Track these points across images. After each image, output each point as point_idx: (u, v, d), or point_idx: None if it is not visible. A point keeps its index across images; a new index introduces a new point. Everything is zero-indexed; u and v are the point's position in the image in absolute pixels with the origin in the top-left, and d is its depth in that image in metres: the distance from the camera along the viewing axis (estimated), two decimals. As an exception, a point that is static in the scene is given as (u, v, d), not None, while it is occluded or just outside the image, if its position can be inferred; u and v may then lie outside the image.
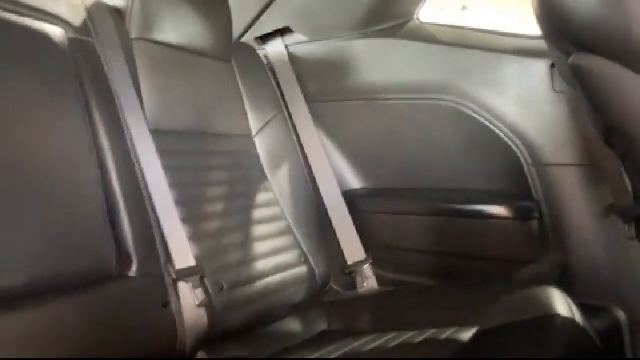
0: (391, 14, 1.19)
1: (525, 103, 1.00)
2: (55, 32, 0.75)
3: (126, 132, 0.80)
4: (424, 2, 1.20)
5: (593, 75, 0.45)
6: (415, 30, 1.19)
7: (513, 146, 1.01)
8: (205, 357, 0.78)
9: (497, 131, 1.03)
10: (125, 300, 0.67)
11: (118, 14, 0.93)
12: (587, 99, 0.48)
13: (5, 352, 0.54)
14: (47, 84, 0.70)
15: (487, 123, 1.03)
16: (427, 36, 1.16)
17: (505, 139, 1.02)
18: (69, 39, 0.77)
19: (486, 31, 1.13)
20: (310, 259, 1.05)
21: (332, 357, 0.79)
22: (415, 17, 1.22)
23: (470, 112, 1.05)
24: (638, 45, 0.39)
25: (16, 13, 0.71)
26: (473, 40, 1.10)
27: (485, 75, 1.04)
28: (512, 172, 1.02)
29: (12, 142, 0.62)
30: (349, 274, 1.13)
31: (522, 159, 1.01)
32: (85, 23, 0.83)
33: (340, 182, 1.22)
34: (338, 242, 1.15)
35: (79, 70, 0.76)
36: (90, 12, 0.87)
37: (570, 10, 0.45)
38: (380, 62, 1.17)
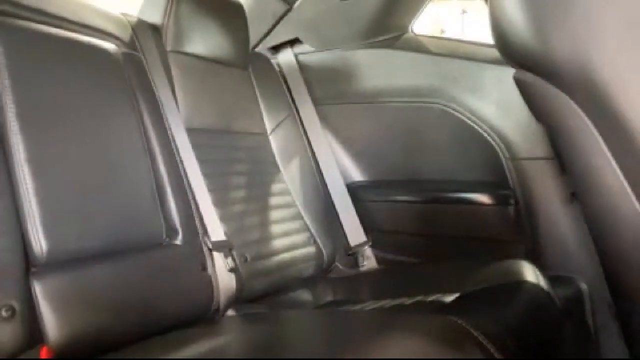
0: (389, 27, 1.35)
1: (503, 106, 1.16)
2: (111, 47, 0.92)
3: (168, 130, 0.97)
4: (418, 16, 1.37)
5: (529, 91, 0.61)
6: (410, 41, 1.36)
7: (493, 143, 1.17)
8: (233, 314, 0.94)
9: (479, 130, 1.19)
10: (173, 262, 0.84)
11: (156, 30, 1.09)
12: (529, 109, 0.64)
13: (88, 299, 0.70)
14: (107, 91, 0.86)
15: (471, 123, 1.19)
16: (420, 47, 1.32)
17: (487, 136, 1.18)
18: (122, 53, 0.94)
19: (470, 42, 1.29)
20: (318, 241, 1.20)
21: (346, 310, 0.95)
22: (410, 29, 1.38)
23: (456, 114, 1.21)
24: (562, 65, 0.55)
25: (80, 32, 0.88)
26: (459, 51, 1.26)
27: (470, 82, 1.20)
28: (492, 165, 1.18)
29: (85, 140, 0.79)
30: (352, 254, 1.29)
31: (500, 153, 1.17)
32: (132, 39, 1.00)
33: (344, 174, 1.38)
34: (342, 227, 1.31)
35: (130, 79, 0.92)
36: (135, 29, 1.03)
37: (508, 28, 0.60)
38: (379, 70, 1.33)
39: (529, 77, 0.60)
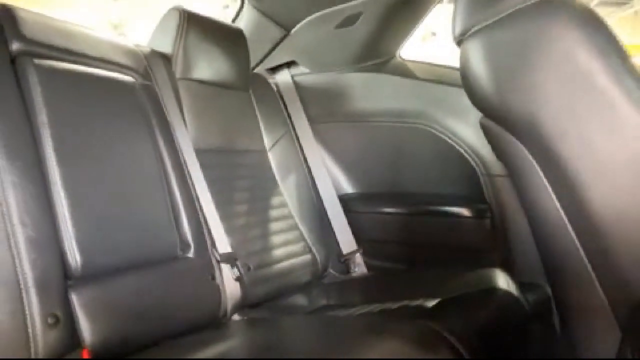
0: (377, 53, 1.47)
1: (480, 128, 1.28)
2: (130, 80, 1.03)
3: (179, 152, 1.07)
4: (405, 43, 1.49)
5: (490, 134, 0.73)
6: (396, 66, 1.48)
7: (471, 160, 1.29)
8: (238, 318, 1.05)
9: (459, 149, 1.31)
10: (186, 273, 0.95)
11: (166, 58, 1.20)
12: (491, 148, 0.76)
13: (116, 307, 0.81)
14: (128, 122, 0.97)
15: (451, 142, 1.32)
16: (406, 72, 1.44)
17: (465, 154, 1.30)
18: (138, 85, 1.04)
19: (452, 67, 1.41)
20: (313, 249, 1.32)
21: (337, 315, 1.07)
22: (397, 55, 1.50)
23: (438, 134, 1.33)
24: (516, 118, 0.67)
25: (103, 68, 0.99)
26: (442, 76, 1.38)
27: (450, 105, 1.32)
28: (470, 181, 1.30)
29: (110, 167, 0.90)
30: (344, 261, 1.41)
31: (477, 170, 1.29)
32: (146, 69, 1.11)
33: (336, 187, 1.50)
34: (335, 236, 1.43)
35: (147, 109, 1.03)
36: (148, 59, 1.14)
37: (473, 84, 0.72)
38: (368, 92, 1.45)
39: (490, 123, 0.72)
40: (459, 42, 0.79)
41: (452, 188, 1.36)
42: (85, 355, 0.72)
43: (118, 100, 0.97)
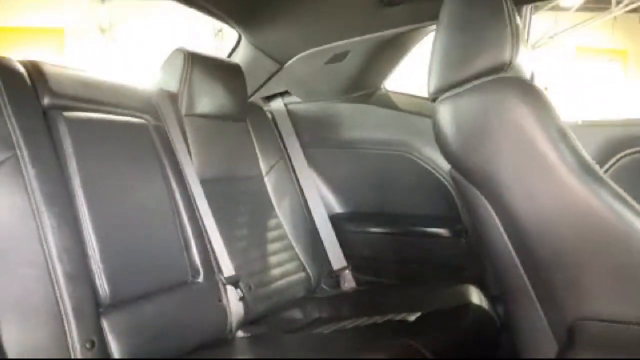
0: (364, 85, 1.61)
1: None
2: (143, 123, 1.15)
3: (187, 184, 1.19)
4: (389, 76, 1.63)
5: (456, 183, 0.88)
6: (382, 97, 1.62)
7: (448, 185, 1.43)
8: (242, 334, 1.18)
9: (437, 175, 1.45)
10: (197, 297, 1.07)
11: (172, 97, 1.31)
12: (457, 194, 0.91)
13: (140, 329, 0.93)
14: (143, 161, 1.09)
15: (430, 169, 1.46)
16: (389, 103, 1.58)
17: (444, 180, 1.45)
18: (150, 126, 1.16)
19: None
20: (307, 267, 1.45)
21: (327, 331, 1.21)
22: (382, 87, 1.64)
23: (419, 161, 1.48)
24: (476, 174, 0.81)
25: (121, 114, 1.11)
26: (421, 107, 1.52)
27: (429, 135, 1.43)
28: (448, 204, 1.44)
29: (129, 204, 1.02)
30: (335, 277, 1.55)
31: (454, 194, 1.43)
32: (156, 110, 1.22)
33: (327, 208, 1.63)
34: (326, 254, 1.56)
35: (157, 147, 1.15)
36: (157, 99, 1.26)
37: (443, 142, 0.86)
38: (356, 121, 1.59)
39: (456, 175, 0.86)
40: (433, 99, 0.93)
41: (433, 210, 1.50)
42: (118, 374, 0.85)
43: (134, 143, 1.09)
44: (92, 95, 1.07)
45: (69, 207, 0.90)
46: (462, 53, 0.87)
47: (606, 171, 1.31)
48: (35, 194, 0.85)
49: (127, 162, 1.05)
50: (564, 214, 0.71)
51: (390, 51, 1.52)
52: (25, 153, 0.87)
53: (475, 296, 1.27)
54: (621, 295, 0.68)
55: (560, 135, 0.72)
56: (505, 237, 0.79)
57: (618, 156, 1.29)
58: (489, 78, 0.81)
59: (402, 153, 1.51)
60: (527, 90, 0.76)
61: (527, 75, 0.99)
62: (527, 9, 1.32)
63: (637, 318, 0.66)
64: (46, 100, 0.97)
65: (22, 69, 0.97)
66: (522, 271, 0.79)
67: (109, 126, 1.06)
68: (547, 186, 0.72)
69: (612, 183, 0.69)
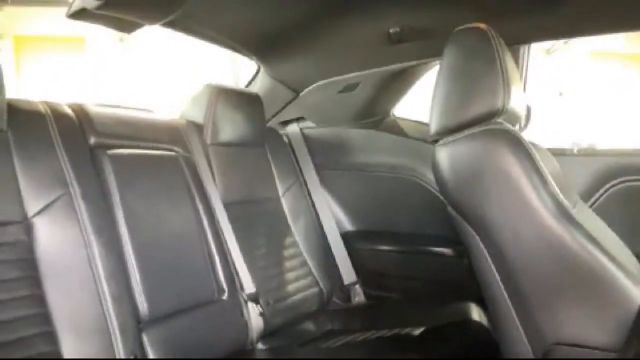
0: (374, 112, 1.73)
1: None
2: (174, 155, 1.28)
3: (212, 209, 1.32)
4: (397, 104, 1.74)
5: (453, 219, 0.99)
6: (390, 124, 1.73)
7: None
8: (262, 347, 1.30)
9: (441, 197, 1.56)
10: (222, 313, 1.20)
11: (198, 127, 1.45)
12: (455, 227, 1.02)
13: (175, 342, 1.06)
14: (174, 190, 1.22)
15: (435, 192, 1.57)
16: (397, 130, 1.70)
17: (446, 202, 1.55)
18: (180, 157, 1.29)
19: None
20: (320, 282, 1.57)
21: (334, 345, 1.32)
22: (391, 114, 1.76)
23: (425, 185, 1.59)
24: (468, 212, 0.92)
25: (155, 149, 1.24)
26: (428, 135, 1.62)
27: (434, 161, 1.57)
28: (451, 225, 1.55)
29: (163, 230, 1.15)
30: (345, 291, 1.66)
31: None
32: (184, 142, 1.36)
33: (339, 226, 1.75)
34: (338, 269, 1.68)
35: (186, 176, 1.28)
36: (185, 131, 1.39)
37: (442, 184, 0.98)
38: (366, 146, 1.71)
39: (452, 211, 0.98)
40: (433, 141, 1.05)
41: (437, 230, 1.61)
42: (157, 382, 0.98)
43: (167, 174, 1.23)
44: (130, 133, 1.21)
45: (113, 236, 1.04)
46: (459, 100, 0.99)
47: (599, 197, 1.41)
48: (85, 226, 0.99)
49: (161, 192, 1.18)
50: (544, 250, 0.82)
51: (397, 83, 1.63)
52: (77, 190, 1.00)
53: (475, 313, 1.38)
54: (590, 323, 0.79)
55: (542, 182, 0.83)
56: (493, 267, 0.91)
57: (611, 183, 1.39)
58: (482, 128, 0.92)
59: (408, 176, 1.62)
60: (514, 141, 0.87)
61: (522, 114, 1.11)
62: (524, 48, 1.42)
63: (602, 344, 0.77)
64: (92, 140, 1.11)
65: (71, 112, 1.11)
66: (506, 296, 0.90)
67: (145, 161, 1.19)
68: (530, 227, 0.83)
69: (585, 225, 0.81)
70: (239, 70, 4.90)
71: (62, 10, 1.17)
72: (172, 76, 6.91)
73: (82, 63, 7.15)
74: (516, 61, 1.39)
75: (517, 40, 1.34)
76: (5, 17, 7.45)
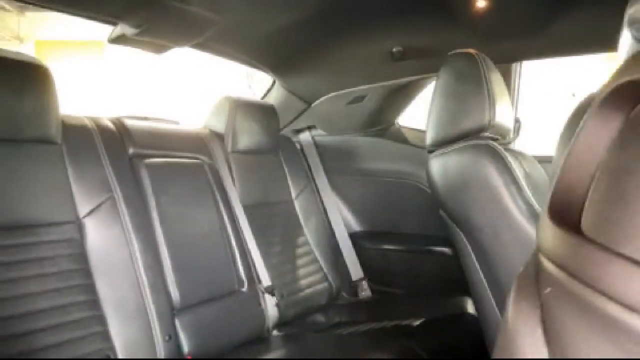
0: (380, 121, 1.87)
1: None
2: (199, 162, 1.44)
3: (232, 210, 1.48)
4: (402, 113, 1.88)
5: (444, 222, 1.13)
6: (395, 132, 1.88)
7: None
8: (277, 333, 1.46)
9: None
10: (242, 302, 1.36)
11: (220, 137, 1.61)
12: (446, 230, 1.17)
13: (203, 328, 1.22)
14: (201, 193, 1.38)
15: None
16: (401, 138, 1.84)
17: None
18: (205, 164, 1.45)
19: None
20: (329, 278, 1.72)
21: (345, 333, 1.47)
22: (396, 123, 1.90)
23: (425, 189, 1.72)
24: (458, 217, 1.07)
25: (184, 157, 1.40)
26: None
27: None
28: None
29: (192, 228, 1.31)
30: (353, 286, 1.81)
31: None
32: (208, 150, 1.52)
33: (347, 226, 1.90)
34: (346, 266, 1.83)
35: (210, 181, 1.44)
36: (208, 140, 1.55)
37: (434, 190, 1.12)
38: (372, 153, 1.85)
39: (443, 213, 1.12)
40: (428, 151, 1.19)
41: (437, 231, 1.74)
42: (189, 359, 1.13)
43: (195, 180, 1.39)
44: (162, 143, 1.37)
45: (150, 234, 1.20)
46: (451, 117, 1.13)
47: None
48: (127, 225, 1.15)
49: (189, 196, 1.34)
50: (518, 247, 0.96)
51: (401, 95, 1.77)
52: (119, 194, 1.16)
53: (470, 307, 1.51)
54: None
55: (517, 190, 0.97)
56: (476, 262, 1.05)
57: None
58: (470, 142, 1.06)
59: (411, 181, 1.76)
60: (495, 156, 1.01)
61: (510, 127, 1.24)
62: (515, 66, 1.56)
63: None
64: (131, 151, 1.27)
65: (112, 126, 1.28)
66: (487, 287, 1.04)
67: (176, 168, 1.35)
68: (507, 228, 0.97)
69: None
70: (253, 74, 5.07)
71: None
72: (186, 80, 7.12)
73: (101, 67, 7.40)
74: (508, 78, 1.53)
75: (509, 59, 1.48)
76: (27, 22, 7.73)
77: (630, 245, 0.21)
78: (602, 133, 0.27)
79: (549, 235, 0.28)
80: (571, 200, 0.28)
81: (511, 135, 1.35)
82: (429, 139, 1.19)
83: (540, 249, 0.31)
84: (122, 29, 1.28)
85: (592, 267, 0.22)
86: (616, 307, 0.20)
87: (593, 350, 0.22)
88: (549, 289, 0.26)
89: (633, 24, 0.32)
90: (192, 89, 7.08)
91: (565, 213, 0.28)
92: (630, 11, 0.32)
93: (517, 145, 1.53)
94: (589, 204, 0.27)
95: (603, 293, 0.21)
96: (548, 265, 0.27)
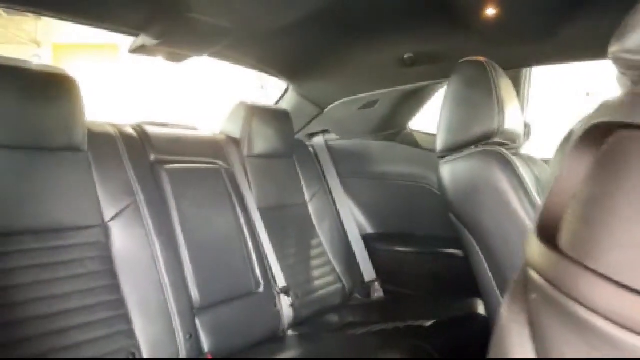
0: (391, 126, 1.91)
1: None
2: (217, 167, 1.49)
3: (249, 213, 1.53)
4: (413, 118, 1.92)
5: (453, 224, 1.16)
6: (406, 136, 1.91)
7: None
8: (292, 333, 1.50)
9: None
10: (259, 303, 1.40)
11: (236, 142, 1.65)
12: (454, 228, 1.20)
13: (221, 327, 1.26)
14: (219, 197, 1.43)
15: None
16: (412, 141, 1.87)
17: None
18: (222, 169, 1.50)
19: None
20: (342, 279, 1.76)
21: (358, 333, 1.51)
22: (407, 127, 1.93)
23: (436, 192, 1.75)
24: (465, 219, 1.10)
25: (203, 163, 1.46)
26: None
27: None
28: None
29: (210, 229, 1.36)
30: (366, 287, 1.85)
31: None
32: (225, 155, 1.57)
33: (360, 228, 1.94)
34: (359, 267, 1.86)
35: (227, 185, 1.49)
36: (225, 145, 1.60)
37: (444, 195, 1.16)
38: (384, 156, 1.89)
39: (453, 217, 1.16)
40: (439, 156, 1.23)
41: (448, 233, 1.76)
42: (209, 357, 1.18)
43: (212, 184, 1.44)
44: (181, 149, 1.42)
45: (171, 236, 1.25)
46: (460, 124, 1.17)
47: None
48: (149, 228, 1.20)
49: (207, 200, 1.40)
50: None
51: (412, 100, 1.81)
52: (142, 198, 1.22)
53: (481, 308, 1.54)
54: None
55: (525, 195, 1.00)
56: (486, 264, 1.08)
57: None
58: (479, 149, 1.10)
59: (422, 184, 1.80)
60: (504, 162, 1.05)
61: (520, 131, 1.27)
62: (525, 71, 1.58)
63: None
64: (152, 157, 1.32)
65: (134, 133, 1.33)
66: (496, 289, 1.08)
67: (194, 173, 1.40)
68: (516, 232, 1.01)
69: None
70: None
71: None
72: (201, 83, 7.21)
73: (116, 69, 7.52)
74: (518, 83, 1.55)
75: (518, 65, 1.51)
76: (44, 25, 7.90)
77: (598, 261, 0.25)
78: (578, 166, 0.31)
79: (535, 249, 0.33)
80: (553, 222, 0.32)
81: (521, 140, 1.38)
82: (439, 144, 1.23)
83: (528, 261, 0.35)
84: (142, 40, 1.33)
85: (567, 278, 0.26)
86: (586, 312, 0.24)
87: (569, 348, 0.26)
88: (534, 296, 0.31)
89: (616, 62, 0.36)
90: (207, 91, 7.17)
91: (548, 232, 0.32)
92: (612, 49, 0.36)
93: (529, 147, 1.55)
94: (565, 225, 0.31)
95: (576, 300, 0.25)
96: (534, 275, 0.32)
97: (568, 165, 0.32)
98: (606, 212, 0.27)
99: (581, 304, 0.25)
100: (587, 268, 0.25)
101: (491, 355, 0.38)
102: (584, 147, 0.31)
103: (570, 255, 0.28)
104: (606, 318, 0.23)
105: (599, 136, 0.31)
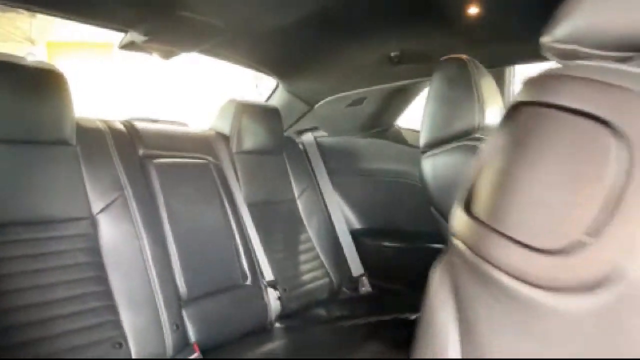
0: (379, 123, 1.93)
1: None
2: (205, 162, 1.51)
3: (237, 208, 1.55)
4: (401, 115, 1.95)
5: (435, 220, 1.19)
6: (394, 133, 1.94)
7: None
8: (279, 325, 1.53)
9: None
10: (246, 296, 1.43)
11: (225, 138, 1.68)
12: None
13: (208, 318, 1.29)
14: (207, 193, 1.45)
15: None
16: (400, 139, 1.90)
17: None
18: (211, 164, 1.53)
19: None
20: (330, 274, 1.78)
21: (344, 325, 1.54)
22: (395, 125, 1.96)
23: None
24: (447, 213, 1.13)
25: (192, 158, 1.48)
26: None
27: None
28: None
29: (198, 223, 1.38)
30: (353, 282, 1.87)
31: None
32: (214, 151, 1.59)
33: (348, 223, 1.96)
34: (347, 262, 1.89)
35: (216, 180, 1.51)
36: (214, 141, 1.62)
37: (428, 194, 1.19)
38: (372, 153, 1.91)
39: (434, 211, 1.18)
40: (422, 152, 1.26)
41: (434, 228, 1.80)
42: (196, 348, 1.21)
43: (201, 179, 1.46)
44: (170, 144, 1.44)
45: (159, 230, 1.27)
46: (442, 120, 1.20)
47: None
48: (137, 221, 1.22)
49: (196, 194, 1.42)
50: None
51: (399, 98, 1.84)
52: (130, 192, 1.24)
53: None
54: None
55: None
56: None
57: None
58: (459, 144, 1.12)
59: (409, 180, 1.82)
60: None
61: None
62: (509, 69, 1.61)
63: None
64: (141, 152, 1.35)
65: (123, 128, 1.35)
66: None
67: (183, 168, 1.43)
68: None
69: None
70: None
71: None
72: (194, 81, 7.22)
73: (109, 67, 7.52)
74: (502, 80, 1.59)
75: (502, 63, 1.54)
76: (39, 23, 7.88)
77: (503, 223, 0.28)
78: (495, 141, 0.34)
79: (457, 219, 0.36)
80: (468, 192, 0.35)
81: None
82: (422, 140, 1.25)
83: (452, 230, 0.38)
84: (131, 36, 1.35)
85: (480, 241, 0.29)
86: (493, 269, 0.27)
87: (478, 303, 0.29)
88: (457, 260, 0.33)
89: (547, 51, 0.38)
90: (200, 89, 7.17)
91: (467, 202, 0.35)
92: (544, 40, 0.38)
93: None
94: (478, 193, 0.33)
95: (485, 259, 0.28)
96: (457, 242, 0.34)
97: (489, 141, 0.34)
98: (510, 178, 0.30)
99: (489, 262, 0.27)
100: (493, 230, 0.28)
101: (421, 315, 0.41)
102: (503, 123, 0.34)
103: (482, 220, 0.30)
104: (507, 273, 0.26)
105: (516, 114, 0.33)
